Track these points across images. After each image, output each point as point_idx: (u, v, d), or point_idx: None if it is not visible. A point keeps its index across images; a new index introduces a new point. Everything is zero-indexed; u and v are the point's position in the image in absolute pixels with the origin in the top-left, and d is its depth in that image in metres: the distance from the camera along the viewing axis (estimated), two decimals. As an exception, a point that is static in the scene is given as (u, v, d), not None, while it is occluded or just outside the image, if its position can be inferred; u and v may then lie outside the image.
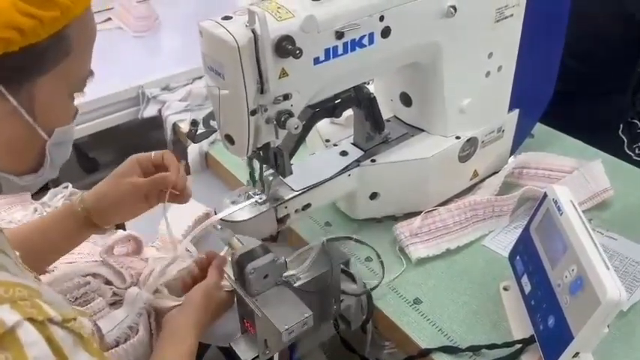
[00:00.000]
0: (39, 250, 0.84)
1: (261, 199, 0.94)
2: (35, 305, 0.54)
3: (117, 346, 0.83)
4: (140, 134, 1.90)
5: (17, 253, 0.70)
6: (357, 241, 1.01)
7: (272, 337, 0.83)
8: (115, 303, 0.92)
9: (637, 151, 1.70)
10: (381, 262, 1.01)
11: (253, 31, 0.74)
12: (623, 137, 1.73)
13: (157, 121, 1.58)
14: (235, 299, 0.86)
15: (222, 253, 0.97)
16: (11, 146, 0.60)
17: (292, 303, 0.78)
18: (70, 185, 1.30)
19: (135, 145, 1.95)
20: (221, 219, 0.91)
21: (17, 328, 0.51)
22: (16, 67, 0.55)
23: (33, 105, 0.58)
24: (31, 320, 0.52)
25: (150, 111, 1.56)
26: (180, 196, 0.90)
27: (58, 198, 1.27)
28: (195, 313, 0.82)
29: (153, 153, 0.90)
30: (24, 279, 0.59)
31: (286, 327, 0.74)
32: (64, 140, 0.64)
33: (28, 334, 0.52)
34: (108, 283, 0.94)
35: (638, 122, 1.73)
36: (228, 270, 0.87)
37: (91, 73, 0.64)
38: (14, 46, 0.53)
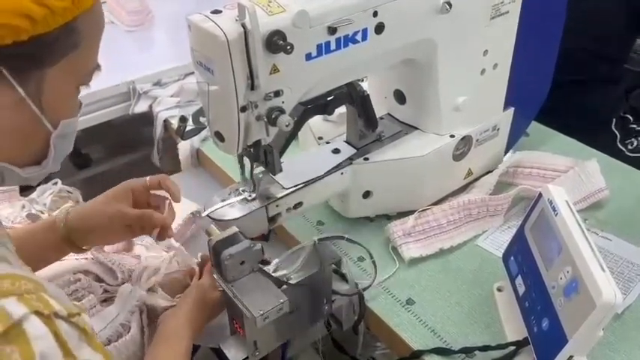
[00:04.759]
0: None
1: (250, 196, 0.92)
2: (41, 299, 0.54)
3: (109, 344, 0.82)
4: (132, 130, 1.88)
5: (14, 248, 0.69)
6: (349, 240, 1.00)
7: (262, 338, 0.82)
8: (106, 300, 0.91)
9: (629, 147, 1.70)
10: (374, 262, 1.00)
11: (243, 26, 0.73)
12: (616, 132, 1.72)
13: (148, 117, 1.56)
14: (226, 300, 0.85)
15: None
16: (16, 137, 0.60)
17: (268, 289, 0.78)
18: (60, 182, 1.28)
19: (126, 141, 1.94)
20: (211, 217, 0.90)
21: (24, 321, 0.51)
22: (26, 57, 0.55)
23: (40, 96, 0.58)
24: (38, 314, 0.52)
25: (141, 106, 1.54)
26: (162, 232, 0.89)
27: (47, 195, 1.25)
28: (191, 312, 0.82)
29: (148, 178, 0.89)
30: (27, 272, 0.59)
31: (261, 312, 0.74)
32: (68, 132, 0.64)
33: (36, 327, 0.51)
34: (99, 280, 0.93)
35: (630, 117, 1.73)
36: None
37: (97, 67, 0.65)
38: (24, 34, 0.53)
